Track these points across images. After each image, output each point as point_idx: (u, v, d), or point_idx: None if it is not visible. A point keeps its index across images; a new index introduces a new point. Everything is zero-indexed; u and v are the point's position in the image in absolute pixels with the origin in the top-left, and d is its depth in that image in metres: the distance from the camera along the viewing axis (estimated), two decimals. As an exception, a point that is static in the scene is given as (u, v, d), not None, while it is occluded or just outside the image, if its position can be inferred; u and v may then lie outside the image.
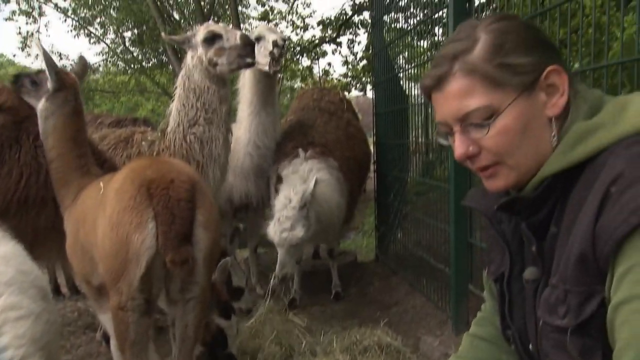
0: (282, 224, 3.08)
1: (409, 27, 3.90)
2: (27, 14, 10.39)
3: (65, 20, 10.82)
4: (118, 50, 11.01)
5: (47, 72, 2.18)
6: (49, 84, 2.18)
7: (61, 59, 11.70)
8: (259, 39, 3.45)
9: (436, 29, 3.56)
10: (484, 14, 3.03)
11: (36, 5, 10.54)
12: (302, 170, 3.33)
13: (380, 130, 4.55)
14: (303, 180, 3.22)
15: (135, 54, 11.16)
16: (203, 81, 2.83)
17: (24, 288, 1.19)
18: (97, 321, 3.17)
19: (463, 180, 2.70)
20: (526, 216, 0.95)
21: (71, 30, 10.78)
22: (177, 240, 1.68)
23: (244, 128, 3.64)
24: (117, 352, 1.96)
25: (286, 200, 3.13)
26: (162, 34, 6.63)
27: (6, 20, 10.34)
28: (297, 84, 14.09)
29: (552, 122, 0.91)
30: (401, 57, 4.25)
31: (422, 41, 3.77)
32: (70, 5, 10.62)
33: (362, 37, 12.47)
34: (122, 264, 1.68)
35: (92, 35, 10.92)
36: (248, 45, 2.75)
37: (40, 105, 2.22)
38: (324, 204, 3.28)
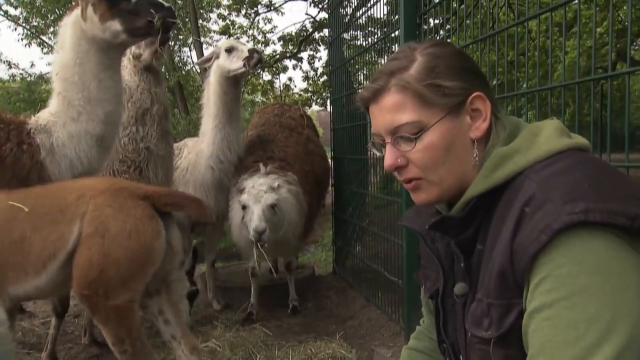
0: (257, 188, 3.23)
1: (367, 45, 4.02)
2: (-26, 21, 9.98)
3: (16, 28, 10.46)
4: (73, 61, 10.68)
5: None
6: None
7: (10, 67, 11.27)
8: (230, 50, 3.52)
9: (394, 47, 3.70)
10: (436, 35, 3.17)
11: (-16, 12, 10.16)
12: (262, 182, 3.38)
13: (338, 146, 4.64)
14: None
15: (90, 65, 10.87)
16: (132, 79, 2.90)
17: None
18: (44, 340, 3.06)
19: (414, 195, 2.79)
20: (455, 235, 1.01)
21: (22, 39, 10.41)
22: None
23: (207, 141, 3.64)
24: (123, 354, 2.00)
25: (254, 183, 3.30)
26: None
27: (-49, 27, 9.86)
28: (258, 98, 14.10)
29: (474, 144, 0.98)
30: (361, 73, 4.37)
31: (380, 59, 3.89)
32: (21, 13, 10.28)
33: (323, 53, 12.69)
34: (140, 266, 1.95)
35: (45, 44, 10.58)
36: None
37: None
38: (284, 212, 3.34)
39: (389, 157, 1.00)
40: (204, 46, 10.72)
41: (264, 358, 2.89)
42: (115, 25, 2.23)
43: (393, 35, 3.40)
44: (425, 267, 1.21)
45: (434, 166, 0.97)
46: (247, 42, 12.11)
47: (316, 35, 12.18)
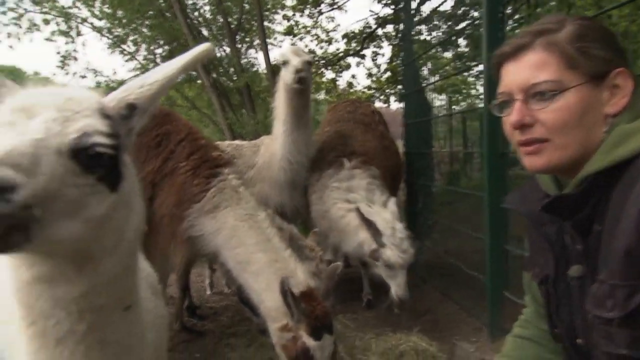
0: (401, 246, 3.10)
1: (440, 40, 3.98)
2: (65, 34, 10.82)
3: (101, 38, 11.25)
4: (150, 67, 11.35)
5: None
6: None
7: (96, 75, 12.12)
8: (285, 62, 3.55)
9: (459, 40, 3.64)
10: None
11: (74, 25, 10.99)
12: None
13: (410, 141, 4.61)
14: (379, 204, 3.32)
15: (165, 70, 11.45)
16: None
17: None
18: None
19: (498, 188, 2.74)
20: (569, 215, 0.99)
21: (107, 48, 11.19)
22: None
23: (279, 144, 3.75)
24: None
25: (388, 224, 3.13)
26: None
27: (46, 40, 10.77)
28: (322, 96, 14.23)
29: (606, 119, 0.97)
30: (427, 68, 4.33)
31: (451, 53, 3.85)
32: (105, 24, 11.04)
33: (386, 49, 12.56)
34: None
35: (125, 52, 11.31)
36: None
37: None
38: None
39: (517, 113, 0.99)
40: (269, 47, 10.99)
41: (345, 348, 2.95)
42: None
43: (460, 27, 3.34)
44: (533, 253, 1.20)
45: (563, 129, 0.96)
46: (311, 40, 12.25)
47: (379, 31, 12.09)
